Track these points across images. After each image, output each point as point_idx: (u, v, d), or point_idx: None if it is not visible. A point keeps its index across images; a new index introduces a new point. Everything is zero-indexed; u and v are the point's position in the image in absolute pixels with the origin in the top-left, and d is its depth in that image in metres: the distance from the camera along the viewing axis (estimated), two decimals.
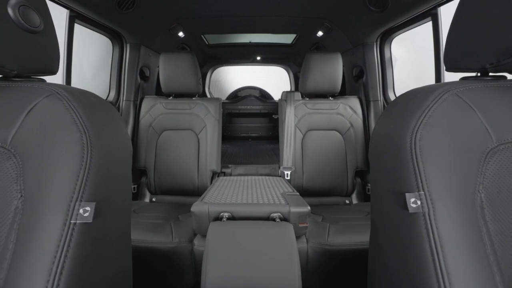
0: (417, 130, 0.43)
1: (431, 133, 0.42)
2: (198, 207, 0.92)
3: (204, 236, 0.93)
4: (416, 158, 0.42)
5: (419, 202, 0.40)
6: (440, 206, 0.39)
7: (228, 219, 0.90)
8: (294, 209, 0.90)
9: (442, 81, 1.30)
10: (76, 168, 0.41)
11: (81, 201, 0.40)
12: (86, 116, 0.45)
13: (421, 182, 0.41)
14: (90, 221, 0.40)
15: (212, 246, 0.76)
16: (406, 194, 0.41)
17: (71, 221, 0.38)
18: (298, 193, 1.07)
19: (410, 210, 0.40)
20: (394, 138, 0.47)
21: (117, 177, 0.50)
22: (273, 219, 0.89)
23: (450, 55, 0.52)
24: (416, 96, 0.49)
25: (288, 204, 0.93)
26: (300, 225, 0.92)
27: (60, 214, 0.38)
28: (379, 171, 0.52)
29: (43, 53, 0.50)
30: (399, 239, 0.44)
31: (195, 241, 0.97)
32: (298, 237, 0.96)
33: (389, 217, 0.47)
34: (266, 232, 0.81)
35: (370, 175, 0.58)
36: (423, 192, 0.40)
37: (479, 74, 0.51)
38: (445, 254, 0.37)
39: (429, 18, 1.30)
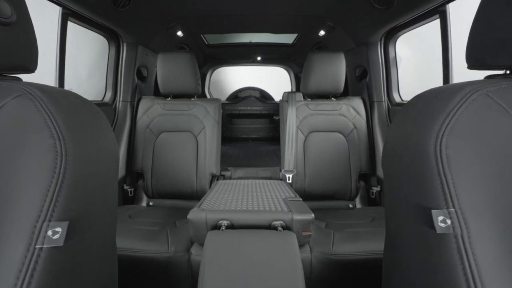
0: (442, 136, 0.37)
1: (459, 140, 0.36)
2: (195, 214, 0.87)
3: (201, 244, 0.88)
4: (443, 169, 0.36)
5: (449, 222, 0.34)
6: (474, 227, 0.33)
7: (227, 227, 0.85)
8: (297, 217, 0.86)
9: (451, 81, 1.24)
10: (46, 181, 0.34)
11: (50, 220, 0.33)
12: (63, 120, 0.38)
13: (451, 197, 0.35)
14: (61, 244, 0.34)
15: (209, 257, 0.72)
16: (433, 211, 0.35)
17: (36, 246, 0.32)
18: (300, 199, 1.02)
19: (438, 231, 0.34)
20: (413, 144, 0.41)
21: (100, 188, 0.44)
22: (275, 228, 0.85)
23: (474, 51, 0.46)
24: (436, 96, 0.43)
25: (290, 211, 0.88)
26: (304, 234, 0.87)
27: (22, 237, 0.32)
28: (395, 180, 0.46)
29: (15, 48, 0.44)
30: (424, 260, 0.38)
31: (192, 250, 0.92)
32: (301, 246, 0.91)
33: (410, 233, 0.41)
34: (267, 242, 0.76)
35: (384, 183, 0.52)
36: (453, 210, 0.34)
37: (507, 72, 0.45)
38: (484, 286, 0.31)
39: (437, 15, 1.25)
